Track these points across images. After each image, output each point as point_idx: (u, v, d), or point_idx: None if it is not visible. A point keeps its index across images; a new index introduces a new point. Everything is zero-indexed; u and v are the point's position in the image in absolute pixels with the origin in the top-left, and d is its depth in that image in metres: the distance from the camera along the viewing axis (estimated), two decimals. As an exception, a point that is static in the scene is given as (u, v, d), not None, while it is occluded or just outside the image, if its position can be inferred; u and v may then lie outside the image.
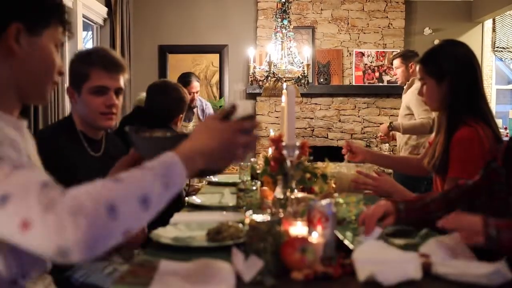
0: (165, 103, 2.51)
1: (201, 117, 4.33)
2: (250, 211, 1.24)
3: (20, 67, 0.99)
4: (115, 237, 0.81)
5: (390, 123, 3.59)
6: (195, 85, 4.23)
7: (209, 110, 4.44)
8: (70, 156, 1.56)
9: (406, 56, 3.76)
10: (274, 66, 3.44)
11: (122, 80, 1.74)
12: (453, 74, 1.76)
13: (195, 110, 4.30)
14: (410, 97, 3.57)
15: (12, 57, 0.98)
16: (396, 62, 3.79)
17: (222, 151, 1.00)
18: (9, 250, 0.88)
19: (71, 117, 1.76)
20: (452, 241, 1.21)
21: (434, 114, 3.42)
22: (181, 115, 2.62)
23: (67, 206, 0.78)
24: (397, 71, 3.80)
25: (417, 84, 3.71)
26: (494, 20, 5.45)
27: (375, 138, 5.04)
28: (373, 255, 1.11)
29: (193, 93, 4.20)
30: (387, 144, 4.48)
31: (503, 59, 5.66)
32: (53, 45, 1.05)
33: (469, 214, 1.22)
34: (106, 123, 1.71)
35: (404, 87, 3.79)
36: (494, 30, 5.49)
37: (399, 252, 1.18)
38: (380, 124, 3.99)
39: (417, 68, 1.90)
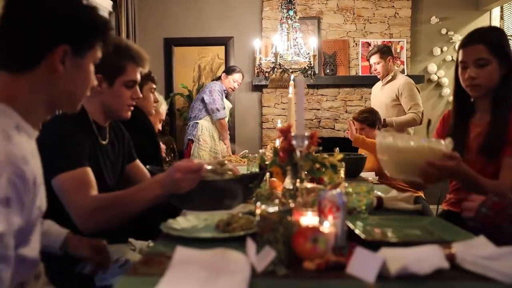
0: None
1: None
2: (259, 202, 1.24)
3: (59, 85, 1.02)
4: None
5: (384, 119, 3.75)
6: (236, 76, 4.56)
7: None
8: (84, 144, 1.57)
9: (383, 52, 4.01)
10: (280, 57, 3.44)
11: None
12: (509, 55, 1.84)
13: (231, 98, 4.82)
14: (401, 89, 3.90)
15: (54, 75, 1.00)
16: (375, 58, 4.02)
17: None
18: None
19: (83, 106, 1.77)
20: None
21: (422, 108, 3.85)
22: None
23: None
24: (377, 67, 4.03)
25: (403, 77, 4.05)
26: (502, 8, 5.38)
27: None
28: (398, 251, 1.10)
29: (237, 81, 4.56)
30: None
31: None
32: (92, 63, 1.07)
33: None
34: (127, 114, 1.77)
35: (382, 79, 4.10)
36: (502, 18, 5.42)
37: (420, 247, 1.13)
38: None
39: (463, 51, 1.85)
